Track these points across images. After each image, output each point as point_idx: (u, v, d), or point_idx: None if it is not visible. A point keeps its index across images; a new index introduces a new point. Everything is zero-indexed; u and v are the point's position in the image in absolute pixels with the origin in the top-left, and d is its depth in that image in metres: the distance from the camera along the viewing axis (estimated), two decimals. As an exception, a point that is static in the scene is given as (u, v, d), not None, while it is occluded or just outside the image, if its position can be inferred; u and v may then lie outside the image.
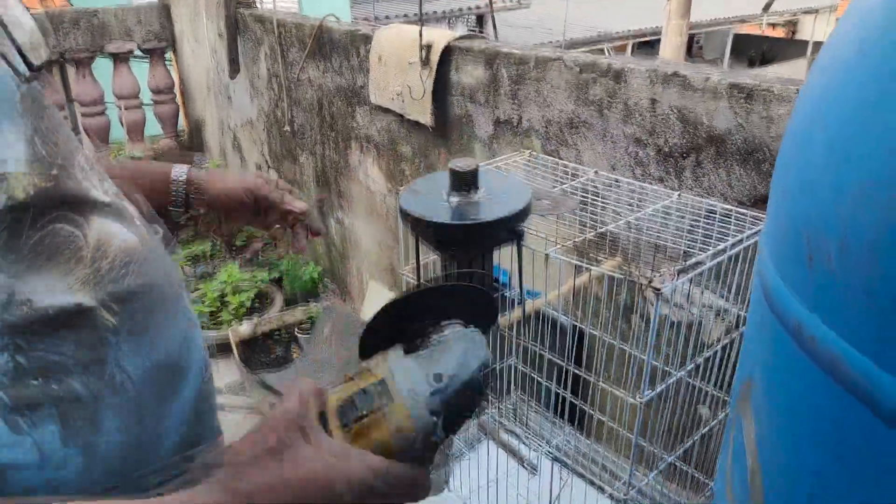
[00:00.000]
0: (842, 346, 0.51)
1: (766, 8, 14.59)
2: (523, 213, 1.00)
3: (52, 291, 0.48)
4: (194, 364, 0.61)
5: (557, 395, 1.50)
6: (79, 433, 0.49)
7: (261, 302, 3.34)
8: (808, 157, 0.57)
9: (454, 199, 1.01)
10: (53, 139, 0.51)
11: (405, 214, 1.01)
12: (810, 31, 15.79)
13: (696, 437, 1.21)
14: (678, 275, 0.88)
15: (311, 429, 0.49)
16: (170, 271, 0.61)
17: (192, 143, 4.48)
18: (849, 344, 0.50)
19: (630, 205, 1.32)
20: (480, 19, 11.69)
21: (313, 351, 2.94)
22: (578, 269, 1.23)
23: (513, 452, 1.50)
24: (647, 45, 14.11)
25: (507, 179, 1.09)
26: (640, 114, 1.68)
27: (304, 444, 0.48)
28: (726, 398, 1.27)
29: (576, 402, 1.42)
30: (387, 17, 9.62)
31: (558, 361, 1.31)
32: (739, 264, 1.07)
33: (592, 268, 0.99)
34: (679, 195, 1.25)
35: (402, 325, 0.58)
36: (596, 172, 1.37)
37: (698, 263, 0.95)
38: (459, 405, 0.53)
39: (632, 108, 1.70)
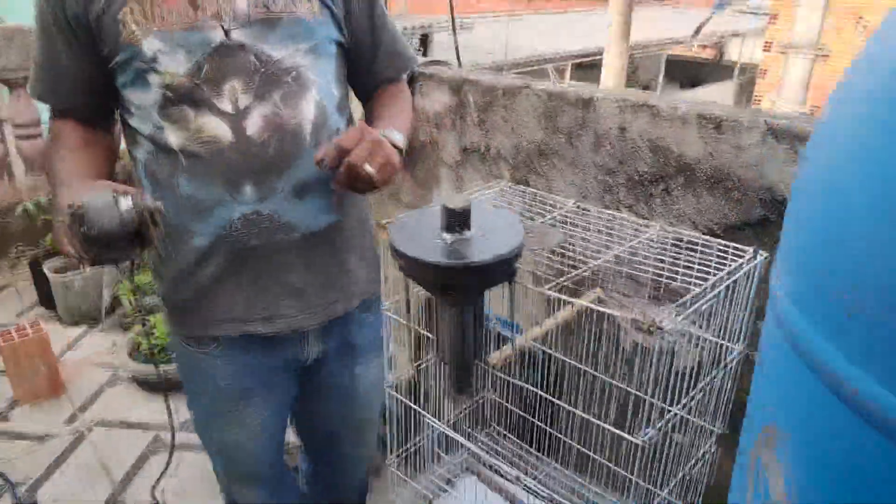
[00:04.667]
0: (892, 402, 0.51)
1: (697, 33, 15.26)
2: (519, 250, 0.99)
3: (170, 133, 1.06)
4: (217, 218, 1.08)
5: (539, 427, 1.49)
6: (157, 197, 1.03)
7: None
8: (839, 210, 0.57)
9: (448, 238, 0.99)
10: (216, 72, 1.06)
11: (398, 254, 0.98)
12: (737, 53, 16.59)
13: (685, 470, 1.21)
14: (677, 313, 0.88)
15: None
16: (241, 166, 1.06)
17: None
18: (908, 402, 0.49)
19: (610, 236, 1.33)
20: (424, 39, 11.78)
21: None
22: (562, 302, 1.22)
23: (496, 488, 1.47)
24: (587, 66, 14.50)
25: (496, 214, 1.08)
26: (609, 142, 1.70)
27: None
28: (711, 427, 1.28)
29: (560, 436, 1.41)
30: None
31: (548, 398, 1.30)
32: (723, 297, 1.09)
33: (593, 307, 0.98)
34: (659, 227, 1.26)
35: None
36: (576, 204, 1.37)
37: (695, 299, 0.96)
38: None
39: (601, 136, 1.72)
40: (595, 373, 1.33)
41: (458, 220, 0.98)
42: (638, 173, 1.66)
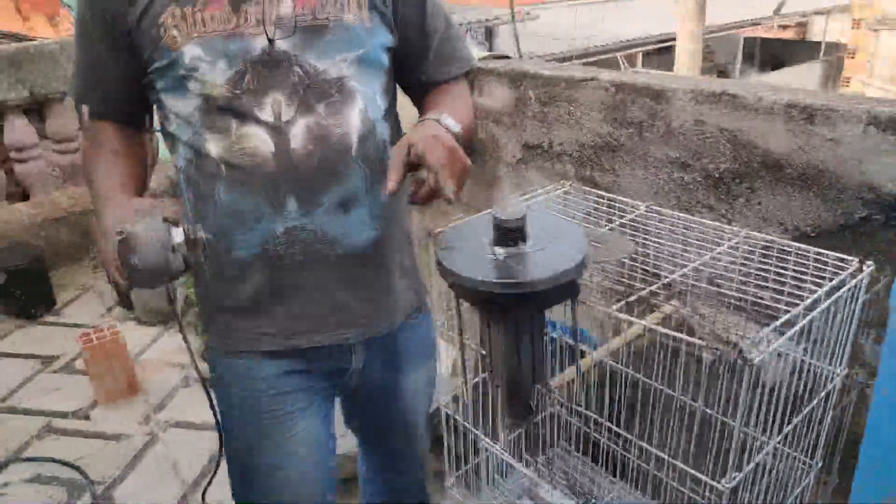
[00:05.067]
0: None
1: (777, 11, 14.44)
2: (582, 266, 0.87)
3: (210, 142, 1.01)
4: (260, 231, 1.02)
5: (606, 446, 1.37)
6: (196, 205, 1.05)
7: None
8: None
9: (500, 252, 0.88)
10: (258, 82, 1.01)
11: (444, 270, 0.88)
12: (822, 30, 15.60)
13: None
14: (769, 339, 0.75)
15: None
16: (283, 179, 1.01)
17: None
18: None
19: (686, 243, 1.19)
20: (490, 32, 11.61)
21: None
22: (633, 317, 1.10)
23: (560, 514, 1.36)
24: (658, 52, 13.97)
25: (555, 222, 0.96)
26: (684, 136, 1.55)
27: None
28: (808, 461, 1.13)
29: (629, 456, 1.29)
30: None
31: (615, 429, 1.18)
32: (827, 316, 0.94)
33: (670, 333, 0.86)
34: (745, 233, 1.11)
35: None
36: (647, 207, 1.24)
37: (792, 320, 0.82)
38: None
39: (675, 129, 1.57)
40: (673, 392, 1.20)
41: (510, 233, 0.88)
42: (718, 170, 1.51)
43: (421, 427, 1.33)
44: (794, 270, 1.05)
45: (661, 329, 0.85)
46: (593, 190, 1.38)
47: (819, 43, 15.17)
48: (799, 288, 0.98)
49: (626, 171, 1.70)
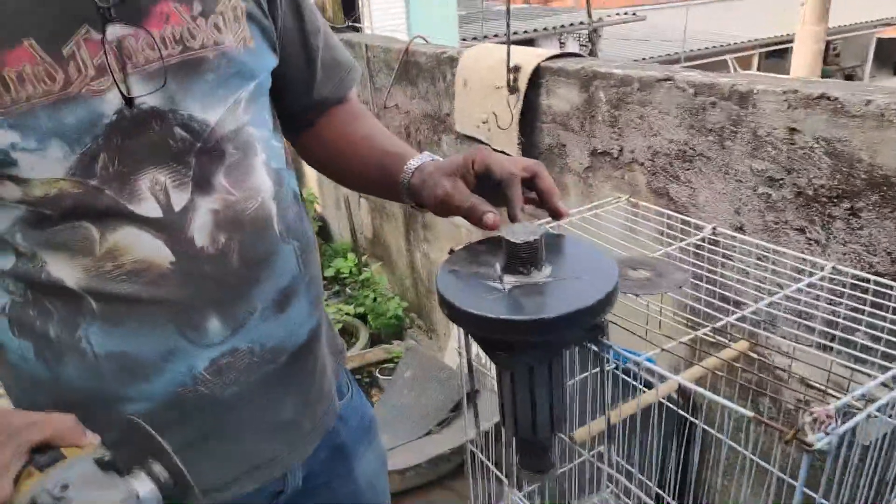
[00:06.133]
0: None
1: (918, 8, 13.10)
2: (606, 303, 0.71)
3: (57, 265, 0.67)
4: (170, 374, 0.72)
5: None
6: (47, 361, 0.71)
7: (345, 337, 3.19)
8: None
9: (509, 282, 0.74)
10: (122, 163, 0.67)
11: (443, 302, 0.75)
12: (971, 32, 13.99)
13: None
14: (836, 418, 0.57)
15: None
16: (195, 295, 0.71)
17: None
18: None
19: (761, 275, 0.99)
20: (591, 34, 11.24)
21: (393, 395, 2.74)
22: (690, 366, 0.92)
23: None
24: (776, 54, 13.04)
25: (582, 248, 0.80)
26: (773, 146, 1.33)
27: None
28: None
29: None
30: (495, 36, 9.43)
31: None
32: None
33: (721, 402, 0.69)
34: (833, 267, 0.91)
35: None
36: (714, 230, 1.05)
37: (868, 399, 0.63)
38: None
39: (762, 138, 1.35)
40: (748, 453, 1.01)
41: (521, 258, 0.73)
42: (812, 186, 1.28)
43: None
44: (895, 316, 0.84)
45: (718, 372, 0.68)
46: (653, 206, 1.19)
47: (966, 44, 13.63)
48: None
49: (704, 184, 1.49)
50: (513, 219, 0.74)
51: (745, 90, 1.36)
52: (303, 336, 0.83)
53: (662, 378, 0.79)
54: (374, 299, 3.23)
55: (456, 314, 0.73)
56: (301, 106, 0.90)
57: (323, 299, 0.92)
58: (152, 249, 0.68)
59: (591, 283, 0.73)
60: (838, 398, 0.64)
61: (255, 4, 0.77)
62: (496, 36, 9.38)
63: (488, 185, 0.75)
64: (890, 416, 0.79)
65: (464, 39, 7.51)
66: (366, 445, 1.00)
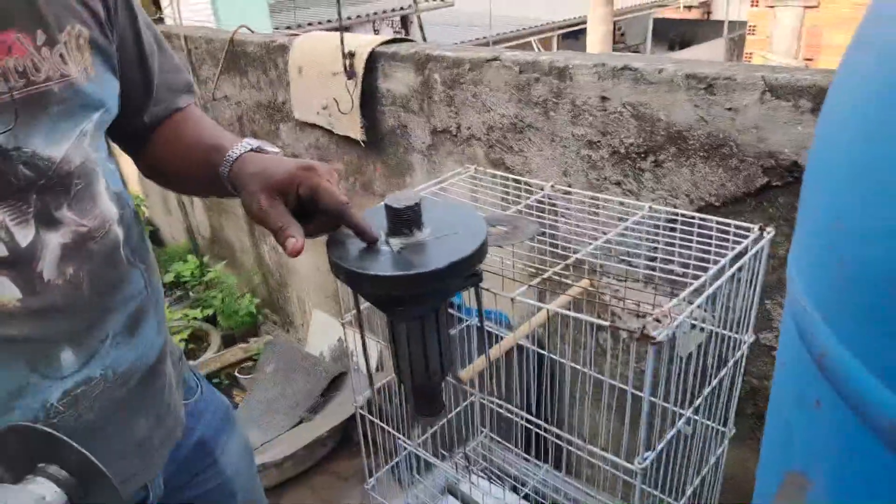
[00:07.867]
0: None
1: (683, -9, 14.94)
2: (481, 252, 0.83)
3: None
4: (20, 410, 0.69)
5: (530, 429, 1.34)
6: None
7: (196, 344, 3.07)
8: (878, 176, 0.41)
9: (395, 243, 0.83)
10: None
11: (336, 267, 0.82)
12: (724, 11, 16.24)
13: (695, 483, 1.06)
14: (674, 312, 0.72)
15: None
16: (46, 330, 0.69)
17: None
18: None
19: (594, 219, 1.17)
20: (405, 20, 11.48)
21: (258, 392, 2.70)
22: (547, 295, 1.07)
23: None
24: (572, 35, 14.20)
25: (453, 209, 0.91)
26: (590, 113, 1.53)
27: None
28: (722, 429, 1.13)
29: (553, 439, 1.26)
30: (309, 24, 9.30)
31: (527, 426, 1.15)
32: (732, 284, 0.93)
33: (570, 314, 0.83)
34: (650, 207, 1.10)
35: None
36: (553, 186, 1.21)
37: (699, 289, 0.80)
38: None
39: (580, 107, 1.55)
40: (590, 371, 1.18)
41: (404, 221, 0.82)
42: (624, 145, 1.50)
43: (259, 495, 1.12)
44: (699, 241, 1.04)
45: (562, 311, 0.82)
46: (498, 172, 1.34)
47: (722, 22, 15.79)
48: (703, 258, 0.97)
49: (535, 152, 1.67)
50: (371, 241, 0.78)
51: (563, 65, 1.55)
52: (153, 357, 0.84)
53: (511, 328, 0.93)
54: (223, 299, 3.14)
55: (353, 278, 0.80)
56: (134, 127, 0.90)
57: (166, 317, 0.92)
58: None
59: (466, 237, 0.84)
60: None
61: (98, 31, 0.75)
62: (310, 25, 9.27)
63: (312, 207, 0.79)
64: (701, 329, 0.99)
65: (277, 28, 7.32)
66: (227, 434, 1.02)
